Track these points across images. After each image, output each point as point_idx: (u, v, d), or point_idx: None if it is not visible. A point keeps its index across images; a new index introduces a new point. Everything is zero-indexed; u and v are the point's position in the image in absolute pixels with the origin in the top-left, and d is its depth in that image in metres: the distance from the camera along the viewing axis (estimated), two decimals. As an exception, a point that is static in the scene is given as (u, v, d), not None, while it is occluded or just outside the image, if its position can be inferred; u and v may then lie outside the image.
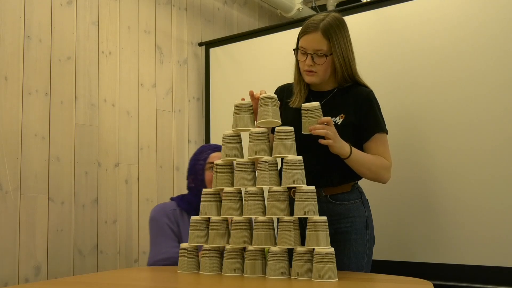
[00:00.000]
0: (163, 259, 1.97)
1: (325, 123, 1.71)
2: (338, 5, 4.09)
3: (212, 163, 2.06)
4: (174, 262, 1.91)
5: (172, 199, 2.20)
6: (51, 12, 2.49)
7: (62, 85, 2.51)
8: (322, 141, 1.72)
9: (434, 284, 1.50)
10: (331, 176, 1.87)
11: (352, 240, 1.86)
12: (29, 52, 2.38)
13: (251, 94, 1.78)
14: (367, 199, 1.96)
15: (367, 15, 2.59)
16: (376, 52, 2.51)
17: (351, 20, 2.60)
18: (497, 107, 2.18)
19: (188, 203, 2.12)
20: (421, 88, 2.37)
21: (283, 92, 2.02)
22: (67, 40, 2.56)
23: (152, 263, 1.99)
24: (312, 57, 1.84)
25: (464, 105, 2.25)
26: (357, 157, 1.79)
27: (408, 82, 2.41)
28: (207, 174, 2.11)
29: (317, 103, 1.73)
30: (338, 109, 1.87)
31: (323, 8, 4.23)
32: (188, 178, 2.18)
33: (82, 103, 2.60)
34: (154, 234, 2.04)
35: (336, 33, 1.84)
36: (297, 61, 1.93)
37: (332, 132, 1.71)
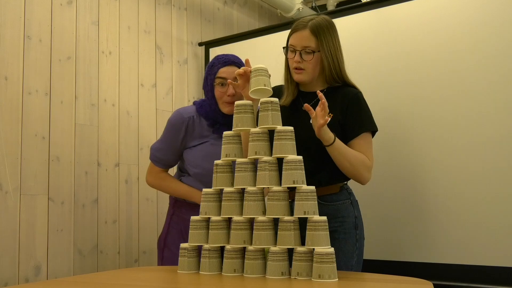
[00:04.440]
0: (158, 158, 2.17)
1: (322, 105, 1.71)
2: (338, 5, 4.09)
3: (222, 78, 2.05)
4: (161, 163, 2.18)
5: (194, 103, 2.19)
6: (51, 12, 2.49)
7: (62, 85, 2.51)
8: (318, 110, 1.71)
9: (434, 284, 1.50)
10: (319, 175, 1.88)
11: (341, 239, 1.87)
12: (29, 52, 2.38)
13: (245, 64, 1.87)
14: (357, 200, 1.97)
15: (367, 15, 2.59)
16: (376, 52, 2.51)
17: (351, 20, 2.62)
18: (495, 108, 2.18)
19: (206, 111, 2.11)
20: (420, 88, 2.37)
21: (275, 93, 2.02)
22: (67, 40, 2.56)
23: (152, 151, 2.19)
24: (300, 54, 1.87)
25: (463, 105, 2.25)
26: (340, 146, 1.81)
27: (407, 82, 2.41)
28: (216, 91, 2.06)
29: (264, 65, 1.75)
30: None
31: (323, 8, 4.23)
32: (203, 88, 2.16)
33: (82, 103, 2.60)
34: (165, 134, 2.18)
35: (324, 32, 1.87)
36: (286, 59, 1.96)
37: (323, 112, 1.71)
